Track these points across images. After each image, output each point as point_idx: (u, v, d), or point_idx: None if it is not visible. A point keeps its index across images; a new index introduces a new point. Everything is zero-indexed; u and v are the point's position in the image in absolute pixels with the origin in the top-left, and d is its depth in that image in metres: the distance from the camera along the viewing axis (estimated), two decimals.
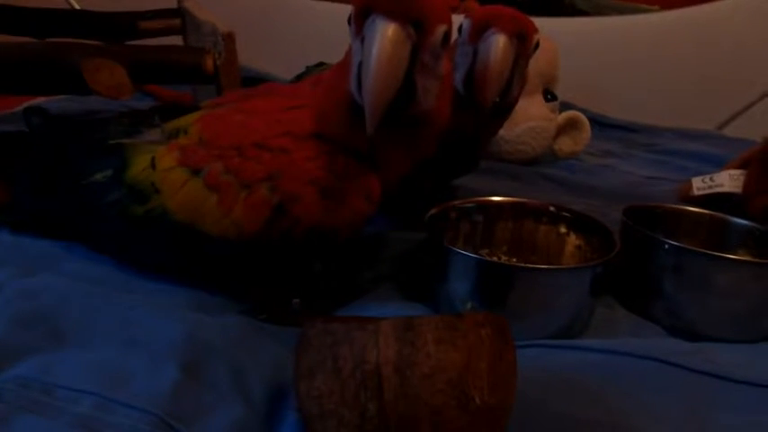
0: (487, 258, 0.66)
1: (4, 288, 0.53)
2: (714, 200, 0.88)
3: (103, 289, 0.55)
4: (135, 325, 0.50)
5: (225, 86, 0.85)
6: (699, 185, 0.92)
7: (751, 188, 0.84)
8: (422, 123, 0.53)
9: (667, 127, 1.39)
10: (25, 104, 0.98)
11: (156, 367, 0.45)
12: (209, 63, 0.84)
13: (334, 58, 0.57)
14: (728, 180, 0.89)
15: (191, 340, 0.48)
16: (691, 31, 1.53)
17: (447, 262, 0.58)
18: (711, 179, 0.91)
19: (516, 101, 0.71)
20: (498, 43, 0.62)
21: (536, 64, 1.05)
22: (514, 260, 0.70)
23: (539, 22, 0.67)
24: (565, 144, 1.15)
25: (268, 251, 0.55)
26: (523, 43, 0.64)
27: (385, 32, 0.46)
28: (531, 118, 1.08)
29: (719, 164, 1.02)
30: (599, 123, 1.31)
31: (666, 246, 0.61)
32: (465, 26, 0.65)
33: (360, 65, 0.48)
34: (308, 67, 0.97)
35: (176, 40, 1.07)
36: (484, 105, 0.63)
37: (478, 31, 0.63)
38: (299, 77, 0.94)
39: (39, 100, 1.09)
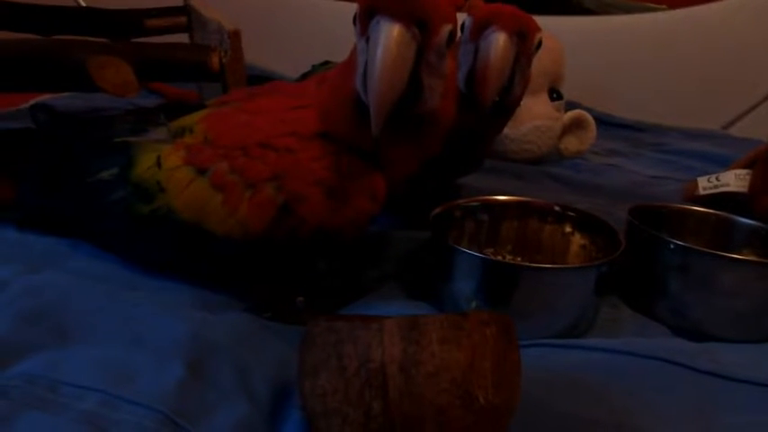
0: (492, 257, 0.66)
1: (9, 285, 0.53)
2: (720, 199, 0.88)
3: (108, 286, 0.56)
4: (140, 323, 0.50)
5: (231, 84, 0.85)
6: (704, 185, 0.92)
7: (757, 188, 0.84)
8: (427, 123, 0.53)
9: (673, 126, 1.38)
10: (32, 102, 0.98)
11: (161, 365, 0.46)
12: (215, 61, 0.84)
13: (340, 56, 0.57)
14: (734, 180, 0.88)
15: (195, 338, 0.48)
16: (697, 30, 1.53)
17: (452, 261, 0.58)
18: (717, 179, 0.91)
19: (519, 99, 0.71)
20: (498, 41, 0.62)
21: (542, 63, 1.05)
22: (519, 259, 0.70)
23: (545, 20, 0.67)
24: (570, 143, 1.15)
25: (273, 250, 0.55)
26: (524, 42, 0.64)
27: (390, 33, 0.46)
28: (536, 117, 1.08)
29: (725, 163, 1.02)
30: (604, 122, 1.31)
31: (672, 245, 0.61)
32: (467, 24, 0.65)
33: (365, 65, 0.48)
34: (313, 65, 0.97)
35: (182, 37, 1.07)
36: (484, 104, 0.63)
37: (479, 30, 0.63)
38: (304, 76, 0.94)
39: (45, 97, 1.10)
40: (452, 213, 0.68)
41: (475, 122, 0.66)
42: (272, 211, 0.53)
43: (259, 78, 1.00)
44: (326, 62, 0.96)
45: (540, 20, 0.66)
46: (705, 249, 0.61)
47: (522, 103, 1.03)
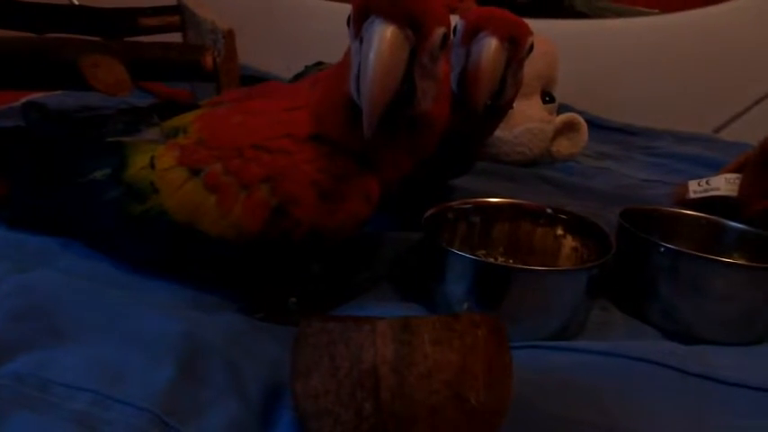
0: (484, 259, 0.66)
1: (0, 284, 0.53)
2: (710, 203, 0.88)
3: (100, 286, 0.55)
4: (131, 322, 0.50)
5: (224, 84, 0.85)
6: (695, 189, 0.92)
7: (747, 191, 0.84)
8: (420, 125, 0.53)
9: (664, 130, 1.39)
10: (23, 100, 0.98)
11: (152, 365, 0.45)
12: (208, 60, 0.84)
13: (334, 57, 0.57)
14: (724, 183, 0.89)
15: (188, 338, 0.48)
16: (689, 34, 1.54)
17: (444, 263, 0.58)
18: (707, 182, 0.91)
19: (511, 102, 0.71)
20: (489, 47, 0.62)
21: (535, 66, 1.05)
22: (511, 261, 0.70)
23: (537, 23, 0.67)
24: (562, 146, 1.15)
25: (266, 252, 0.55)
26: (516, 46, 0.64)
27: (383, 35, 0.46)
28: (528, 120, 1.08)
29: (716, 167, 1.02)
30: (596, 126, 1.31)
31: (662, 249, 0.61)
32: (459, 28, 0.65)
33: (359, 66, 0.48)
34: (306, 66, 0.97)
35: (176, 37, 1.07)
36: (475, 107, 0.63)
37: (471, 34, 0.63)
38: (297, 77, 0.94)
39: (38, 95, 1.09)
40: (445, 215, 0.68)
41: (466, 125, 0.66)
42: (266, 213, 0.53)
43: (252, 78, 1.00)
44: (319, 63, 0.96)
45: (533, 23, 0.66)
46: (695, 253, 0.61)
47: (514, 105, 1.04)
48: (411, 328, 0.37)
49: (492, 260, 0.69)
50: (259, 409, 0.45)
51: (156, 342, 0.48)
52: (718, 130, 1.52)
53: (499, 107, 0.69)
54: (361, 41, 0.48)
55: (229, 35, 0.85)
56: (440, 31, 0.49)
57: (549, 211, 0.70)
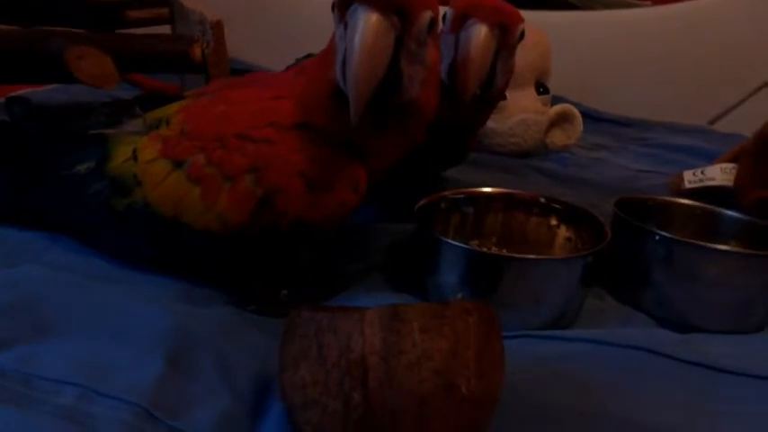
0: (477, 249, 0.65)
1: None
2: (705, 193, 0.88)
3: (87, 280, 0.54)
4: (119, 316, 0.49)
5: (213, 76, 0.84)
6: (690, 179, 0.91)
7: (743, 181, 0.84)
8: (408, 112, 0.52)
9: (658, 121, 1.39)
10: (9, 95, 0.96)
11: (141, 358, 0.45)
12: (196, 52, 0.83)
13: None
14: (720, 173, 0.88)
15: (177, 331, 0.48)
16: (682, 26, 1.53)
17: (437, 253, 0.58)
18: (703, 172, 0.91)
19: (503, 91, 0.71)
20: (478, 34, 0.61)
21: (528, 57, 1.05)
22: (505, 251, 0.69)
23: (528, 14, 0.66)
24: (557, 137, 1.14)
25: (253, 243, 0.54)
26: (506, 34, 0.63)
27: (367, 22, 0.45)
28: (523, 111, 1.08)
29: (710, 158, 1.02)
30: (591, 117, 1.31)
31: (657, 236, 0.61)
32: (448, 16, 0.64)
33: (344, 52, 0.47)
34: (297, 59, 0.96)
35: (165, 29, 1.06)
36: (465, 96, 0.63)
37: (460, 21, 0.63)
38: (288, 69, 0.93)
39: (24, 90, 1.08)
40: (438, 205, 0.67)
41: (457, 114, 0.65)
42: (252, 204, 0.52)
43: (243, 72, 0.99)
44: (309, 55, 0.95)
45: (525, 14, 0.65)
46: (690, 240, 0.61)
47: (508, 96, 1.03)
48: (400, 316, 0.36)
49: (485, 250, 0.68)
50: (250, 401, 0.45)
51: (145, 336, 0.47)
52: (712, 121, 1.51)
53: (490, 96, 0.69)
54: (345, 27, 0.47)
55: (218, 26, 0.84)
56: (426, 14, 0.49)
57: (542, 200, 0.69)
